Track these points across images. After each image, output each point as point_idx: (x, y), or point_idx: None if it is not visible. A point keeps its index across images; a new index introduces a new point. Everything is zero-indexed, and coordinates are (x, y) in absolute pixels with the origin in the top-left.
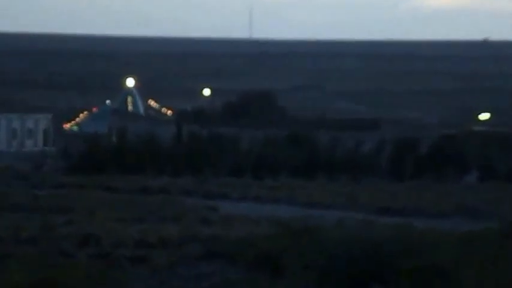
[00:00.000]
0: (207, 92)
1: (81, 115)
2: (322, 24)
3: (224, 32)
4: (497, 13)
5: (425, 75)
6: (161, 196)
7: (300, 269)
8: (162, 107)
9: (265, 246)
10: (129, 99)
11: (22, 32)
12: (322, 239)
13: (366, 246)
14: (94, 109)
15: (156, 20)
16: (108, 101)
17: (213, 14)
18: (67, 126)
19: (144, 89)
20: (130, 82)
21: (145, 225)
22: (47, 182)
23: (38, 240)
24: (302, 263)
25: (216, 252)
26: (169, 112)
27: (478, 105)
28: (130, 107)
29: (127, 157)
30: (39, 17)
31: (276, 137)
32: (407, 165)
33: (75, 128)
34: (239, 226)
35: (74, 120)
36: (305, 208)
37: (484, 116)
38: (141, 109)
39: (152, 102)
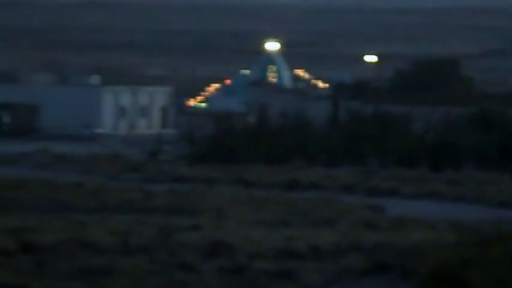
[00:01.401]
0: (371, 58)
1: (209, 88)
2: None
3: None
4: None
5: None
6: (313, 193)
7: (492, 286)
8: (313, 78)
9: (445, 257)
10: (272, 67)
11: None
12: None
13: None
14: (226, 81)
15: None
16: (244, 70)
17: None
18: (191, 102)
19: (291, 54)
20: (272, 45)
21: (292, 231)
22: (165, 175)
23: (153, 250)
24: (494, 279)
25: (384, 265)
26: (322, 84)
27: None
28: (272, 78)
29: (268, 142)
30: None
31: (459, 117)
32: None
33: (202, 104)
34: (412, 231)
35: (200, 94)
36: (497, 209)
37: None
38: (287, 81)
39: (300, 72)
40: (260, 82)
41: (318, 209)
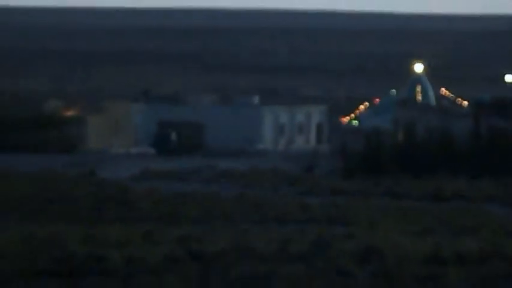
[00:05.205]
0: (511, 78)
1: (360, 107)
2: None
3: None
4: None
5: None
6: (456, 203)
7: None
8: (457, 96)
9: None
10: (418, 88)
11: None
12: None
13: None
14: (376, 100)
15: None
16: (393, 90)
17: None
18: (344, 120)
19: (435, 75)
20: (419, 67)
21: (437, 239)
22: (320, 188)
23: (310, 257)
24: None
25: None
26: (464, 103)
27: None
28: (419, 97)
29: (416, 157)
30: None
31: None
32: None
33: (354, 122)
34: None
35: (352, 113)
36: None
37: None
38: (432, 100)
39: (445, 91)
40: (408, 101)
41: (461, 219)
